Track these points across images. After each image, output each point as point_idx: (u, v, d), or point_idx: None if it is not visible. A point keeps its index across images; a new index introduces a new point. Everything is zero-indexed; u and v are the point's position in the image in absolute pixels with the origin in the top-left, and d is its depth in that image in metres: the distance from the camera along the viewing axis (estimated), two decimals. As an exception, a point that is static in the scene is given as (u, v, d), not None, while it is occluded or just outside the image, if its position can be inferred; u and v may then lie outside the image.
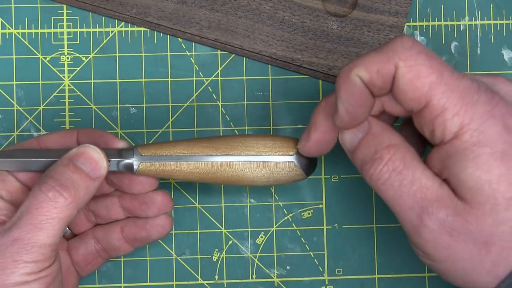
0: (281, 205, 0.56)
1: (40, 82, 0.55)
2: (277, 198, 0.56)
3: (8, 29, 0.55)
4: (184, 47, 0.56)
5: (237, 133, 0.55)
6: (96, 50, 0.56)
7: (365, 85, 0.43)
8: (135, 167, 0.49)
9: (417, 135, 0.47)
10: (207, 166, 0.49)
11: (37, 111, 0.55)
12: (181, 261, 0.55)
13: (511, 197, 0.42)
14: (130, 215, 0.51)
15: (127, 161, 0.48)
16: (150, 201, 0.50)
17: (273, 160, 0.49)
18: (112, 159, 0.48)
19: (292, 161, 0.49)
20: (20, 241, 0.44)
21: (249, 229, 0.55)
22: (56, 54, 0.55)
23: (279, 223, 0.56)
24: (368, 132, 0.45)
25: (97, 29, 0.56)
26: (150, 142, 0.55)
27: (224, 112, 0.56)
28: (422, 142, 0.48)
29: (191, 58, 0.56)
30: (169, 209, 0.51)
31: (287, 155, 0.49)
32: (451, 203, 0.42)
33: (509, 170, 0.42)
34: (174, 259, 0.55)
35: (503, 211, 0.42)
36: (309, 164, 0.49)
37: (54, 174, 0.46)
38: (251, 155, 0.49)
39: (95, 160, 0.47)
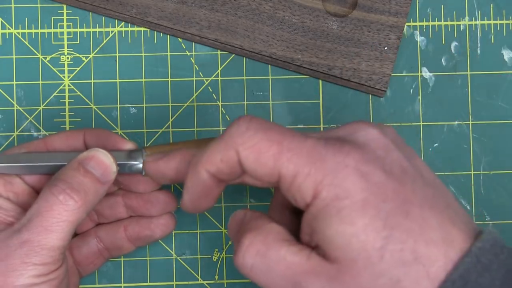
0: (281, 205, 0.56)
1: (40, 82, 0.55)
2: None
3: (8, 29, 0.55)
4: (184, 47, 0.56)
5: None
6: (96, 50, 0.56)
7: (213, 176, 0.43)
8: (144, 170, 0.49)
9: (288, 204, 0.46)
10: None
11: (37, 111, 0.55)
12: (181, 261, 0.55)
13: (382, 246, 0.40)
14: (134, 214, 0.52)
15: (136, 164, 0.49)
16: (155, 200, 0.51)
17: None
18: (121, 163, 0.48)
19: None
20: (29, 243, 0.44)
21: (249, 229, 0.55)
22: (56, 54, 0.55)
23: (279, 223, 0.55)
24: (241, 223, 0.44)
25: (97, 29, 0.56)
26: (152, 141, 0.55)
27: (224, 112, 0.56)
28: (295, 211, 0.46)
29: (191, 58, 0.56)
30: (173, 208, 0.51)
31: None
32: (323, 271, 0.40)
33: (373, 218, 0.40)
34: (174, 259, 0.55)
35: (378, 263, 0.40)
36: None
37: (65, 177, 0.46)
38: None
39: (105, 164, 0.47)
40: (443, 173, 0.56)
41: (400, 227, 0.40)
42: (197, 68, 0.56)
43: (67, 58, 0.55)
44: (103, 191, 0.47)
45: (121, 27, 0.56)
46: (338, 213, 0.40)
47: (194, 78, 0.56)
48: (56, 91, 0.55)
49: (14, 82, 0.55)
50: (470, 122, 0.56)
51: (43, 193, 0.46)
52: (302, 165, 0.41)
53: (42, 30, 0.55)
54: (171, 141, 0.55)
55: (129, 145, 0.49)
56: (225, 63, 0.56)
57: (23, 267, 0.44)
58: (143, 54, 0.56)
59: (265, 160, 0.41)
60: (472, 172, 0.56)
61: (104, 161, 0.47)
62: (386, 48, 0.55)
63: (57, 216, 0.45)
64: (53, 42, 0.55)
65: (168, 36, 0.56)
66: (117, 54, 0.56)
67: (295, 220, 0.46)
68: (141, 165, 0.49)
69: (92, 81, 0.56)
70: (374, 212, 0.40)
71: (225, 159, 0.42)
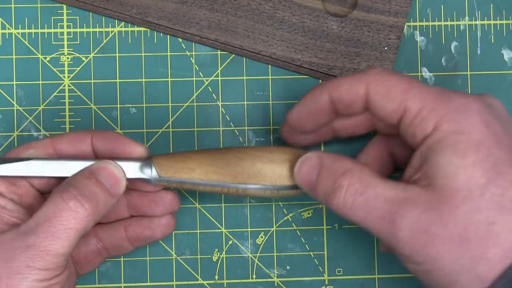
0: (281, 205, 0.56)
1: (40, 82, 0.55)
2: (277, 198, 0.56)
3: (8, 29, 0.55)
4: (184, 47, 0.56)
5: (237, 133, 0.55)
6: (96, 50, 0.56)
7: (331, 101, 0.47)
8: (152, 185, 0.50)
9: (385, 154, 0.51)
10: (223, 190, 0.49)
11: (37, 111, 0.55)
12: (181, 261, 0.55)
13: (485, 185, 0.42)
14: (136, 213, 0.51)
15: (145, 178, 0.49)
16: (159, 200, 0.51)
17: (287, 189, 0.49)
18: (130, 177, 0.48)
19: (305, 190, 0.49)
20: (35, 247, 0.44)
21: (249, 229, 0.55)
22: (56, 54, 0.55)
23: (279, 223, 0.55)
24: (322, 166, 0.47)
25: (97, 29, 0.56)
26: (152, 141, 0.55)
27: (224, 112, 0.56)
28: (391, 161, 0.51)
29: (191, 58, 0.56)
30: (176, 209, 0.51)
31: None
32: (422, 199, 0.43)
33: (483, 158, 0.42)
34: (174, 259, 0.55)
35: (477, 198, 0.42)
36: None
37: (77, 184, 0.46)
38: (267, 184, 0.49)
39: (116, 177, 0.47)
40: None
41: (507, 175, 0.42)
42: (197, 68, 0.56)
43: (67, 58, 0.55)
44: (111, 203, 0.47)
45: (121, 27, 0.56)
46: (453, 146, 0.43)
47: (194, 78, 0.56)
48: (56, 91, 0.55)
49: (14, 82, 0.55)
50: (470, 122, 0.56)
51: (53, 197, 0.45)
52: (428, 101, 0.44)
53: (42, 30, 0.55)
54: (171, 141, 0.55)
55: (139, 149, 0.49)
56: (225, 63, 0.56)
57: (27, 271, 0.44)
58: (143, 54, 0.56)
59: (393, 95, 0.45)
60: (472, 172, 0.56)
61: (115, 174, 0.47)
62: (386, 48, 0.55)
63: (64, 223, 0.44)
64: (53, 42, 0.55)
65: (168, 36, 0.56)
66: (117, 54, 0.56)
67: (387, 164, 0.50)
68: (150, 180, 0.49)
69: (92, 81, 0.55)
70: (486, 154, 0.42)
71: (353, 90, 0.46)
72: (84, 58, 0.56)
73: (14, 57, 0.55)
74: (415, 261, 0.43)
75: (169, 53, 0.56)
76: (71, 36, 0.56)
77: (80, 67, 0.55)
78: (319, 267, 0.55)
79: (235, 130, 0.56)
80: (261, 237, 0.55)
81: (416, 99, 0.44)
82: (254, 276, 0.55)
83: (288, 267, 0.55)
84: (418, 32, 0.56)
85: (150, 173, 0.49)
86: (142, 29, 0.56)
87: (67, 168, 0.48)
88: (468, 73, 0.56)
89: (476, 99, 0.44)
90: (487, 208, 0.42)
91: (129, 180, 0.48)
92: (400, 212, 0.43)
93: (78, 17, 0.56)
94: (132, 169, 0.48)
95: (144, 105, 0.55)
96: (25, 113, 0.55)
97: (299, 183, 0.48)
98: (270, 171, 0.49)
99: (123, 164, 0.48)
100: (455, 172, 0.42)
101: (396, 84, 0.45)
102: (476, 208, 0.42)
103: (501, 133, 0.43)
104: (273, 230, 0.55)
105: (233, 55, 0.56)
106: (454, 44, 0.56)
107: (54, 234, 0.44)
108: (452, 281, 0.42)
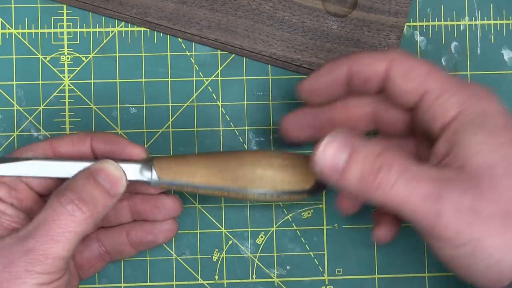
0: (281, 205, 0.56)
1: (40, 82, 0.55)
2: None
3: (8, 29, 0.55)
4: (184, 47, 0.56)
5: (237, 133, 0.55)
6: (96, 50, 0.56)
7: (348, 75, 0.46)
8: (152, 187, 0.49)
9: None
10: (223, 194, 0.49)
11: (37, 111, 0.55)
12: (181, 261, 0.55)
13: None
14: (138, 218, 0.51)
15: (145, 180, 0.49)
16: (161, 205, 0.51)
17: (287, 194, 0.49)
18: (131, 179, 0.48)
19: (306, 194, 0.49)
20: (34, 251, 0.44)
21: (249, 229, 0.55)
22: (56, 54, 0.55)
23: (279, 223, 0.55)
24: (353, 147, 0.43)
25: (97, 29, 0.56)
26: (152, 141, 0.55)
27: (224, 112, 0.56)
28: None
29: (191, 58, 0.56)
30: (178, 214, 0.51)
31: (302, 190, 0.49)
32: (462, 179, 0.42)
33: None
34: (174, 259, 0.55)
35: None
36: (320, 193, 0.51)
37: (74, 187, 0.46)
38: (267, 188, 0.49)
39: (116, 177, 0.47)
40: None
41: None
42: (197, 68, 0.56)
43: (67, 58, 0.55)
44: (111, 204, 0.47)
45: (121, 27, 0.56)
46: (483, 126, 0.43)
47: (194, 78, 0.56)
48: (56, 91, 0.55)
49: (14, 82, 0.55)
50: (470, 122, 0.56)
51: (50, 201, 0.45)
52: (450, 85, 0.44)
53: (42, 30, 0.55)
54: (171, 141, 0.55)
55: (137, 151, 0.49)
56: (225, 63, 0.56)
57: (26, 275, 0.44)
58: (143, 54, 0.56)
59: (414, 76, 0.45)
60: (472, 172, 0.56)
61: (114, 174, 0.47)
62: (386, 48, 0.55)
63: (63, 226, 0.44)
64: (53, 42, 0.55)
65: (168, 36, 0.56)
66: (117, 54, 0.56)
67: None
68: (149, 182, 0.49)
69: (92, 81, 0.55)
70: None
71: (374, 65, 0.46)
72: (84, 58, 0.56)
73: (14, 57, 0.55)
74: (457, 244, 0.42)
75: (169, 53, 0.56)
76: (71, 36, 0.56)
77: (80, 67, 0.55)
78: (319, 267, 0.55)
79: (235, 130, 0.56)
80: (261, 237, 0.55)
81: (438, 82, 0.44)
82: (254, 276, 0.55)
83: (288, 267, 0.55)
84: (418, 32, 0.56)
85: (150, 175, 0.49)
86: (142, 29, 0.56)
87: (67, 169, 0.48)
88: (468, 73, 0.56)
89: (493, 94, 0.45)
90: None
91: (129, 182, 0.48)
92: (444, 193, 0.42)
93: (78, 17, 0.56)
94: (132, 171, 0.48)
95: (144, 105, 0.56)
96: (25, 113, 0.55)
97: (320, 169, 0.44)
98: (270, 176, 0.49)
99: (123, 166, 0.48)
100: (489, 150, 0.42)
101: (418, 65, 0.45)
102: None
103: None
104: (273, 230, 0.55)
105: (233, 55, 0.56)
106: (454, 44, 0.56)
107: (53, 237, 0.44)
108: (495, 261, 0.42)
